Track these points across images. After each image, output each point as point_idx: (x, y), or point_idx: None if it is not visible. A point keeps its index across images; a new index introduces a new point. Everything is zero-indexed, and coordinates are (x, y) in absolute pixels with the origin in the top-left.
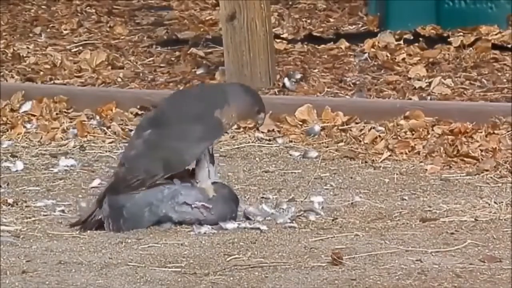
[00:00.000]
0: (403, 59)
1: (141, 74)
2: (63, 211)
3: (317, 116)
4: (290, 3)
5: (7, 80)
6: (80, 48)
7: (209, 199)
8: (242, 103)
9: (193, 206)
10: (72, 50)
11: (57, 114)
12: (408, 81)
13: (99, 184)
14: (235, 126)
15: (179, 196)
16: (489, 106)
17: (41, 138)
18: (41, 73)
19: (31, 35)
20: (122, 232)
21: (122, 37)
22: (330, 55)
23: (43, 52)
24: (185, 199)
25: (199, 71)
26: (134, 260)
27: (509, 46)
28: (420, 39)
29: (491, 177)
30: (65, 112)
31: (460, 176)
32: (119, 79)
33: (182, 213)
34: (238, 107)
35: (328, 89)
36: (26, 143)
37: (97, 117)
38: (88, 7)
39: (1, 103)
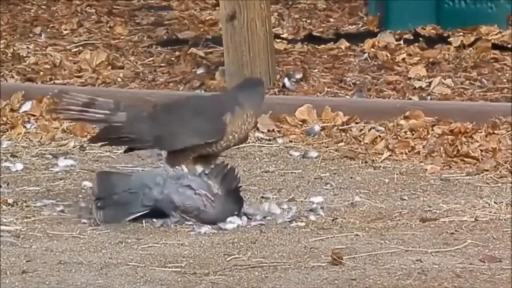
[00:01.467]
0: (403, 59)
1: (141, 74)
2: (63, 211)
3: (317, 116)
4: (290, 3)
5: (7, 80)
6: (80, 48)
7: (214, 193)
8: (256, 105)
9: (196, 191)
10: (72, 50)
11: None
12: (408, 81)
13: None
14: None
15: (185, 178)
16: (489, 106)
17: (41, 138)
18: (41, 73)
19: (31, 35)
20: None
21: (122, 37)
22: (330, 55)
23: (43, 52)
24: (190, 183)
25: (199, 71)
26: (134, 260)
27: (509, 46)
28: (420, 39)
29: (491, 177)
30: None
31: (460, 176)
32: (119, 79)
33: (185, 197)
34: (252, 108)
35: (328, 89)
36: (26, 143)
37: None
38: (88, 7)
39: (1, 103)
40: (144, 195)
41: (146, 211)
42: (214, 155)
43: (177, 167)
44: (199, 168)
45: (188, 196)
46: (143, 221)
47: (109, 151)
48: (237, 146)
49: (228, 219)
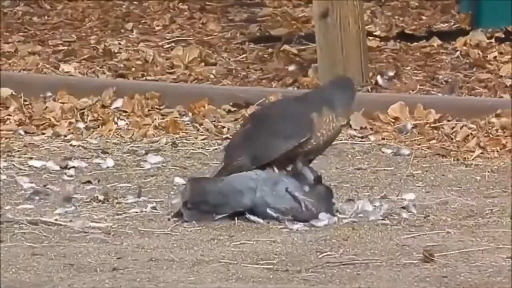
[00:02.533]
0: (495, 57)
1: (233, 71)
2: (154, 208)
3: (409, 113)
4: (383, 0)
5: (98, 76)
6: (173, 44)
7: (306, 192)
8: (345, 105)
9: (293, 193)
10: (164, 47)
11: (149, 110)
12: (499, 79)
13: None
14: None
15: (280, 181)
16: None
17: (133, 134)
18: (133, 69)
19: (122, 31)
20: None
21: (215, 34)
22: (422, 53)
23: (135, 48)
24: (286, 185)
25: (292, 68)
26: (226, 257)
27: None
28: None
29: None
30: (157, 108)
31: None
32: (212, 76)
33: (280, 199)
34: (341, 108)
35: (421, 87)
36: (117, 140)
37: (189, 114)
38: (181, 3)
39: (92, 99)
40: (235, 199)
41: (237, 210)
42: (306, 154)
43: (268, 168)
44: (293, 168)
45: (283, 198)
46: (236, 219)
47: (201, 148)
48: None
49: (321, 216)
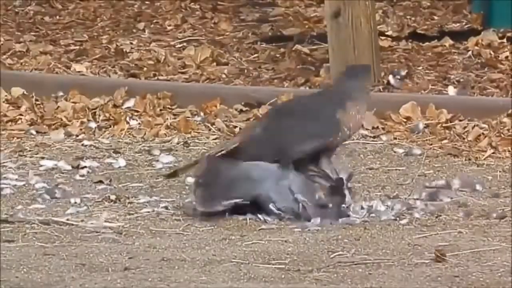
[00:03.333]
0: (506, 57)
1: (245, 71)
2: (166, 207)
3: (421, 113)
4: (395, 0)
5: (110, 76)
6: (184, 44)
7: (311, 193)
8: (364, 93)
9: (295, 195)
10: (176, 46)
11: (161, 110)
12: (511, 79)
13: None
14: None
15: (287, 179)
16: None
17: (145, 134)
18: (145, 69)
19: (134, 30)
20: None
21: (227, 34)
22: (434, 53)
23: (147, 48)
24: (291, 184)
25: (304, 68)
26: (237, 257)
27: None
28: None
29: None
30: (169, 108)
31: None
32: (224, 76)
33: (281, 197)
34: (361, 98)
35: (432, 87)
36: (129, 139)
37: (201, 114)
38: (192, 3)
39: (104, 99)
40: (244, 188)
41: (243, 202)
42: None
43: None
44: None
45: (286, 196)
46: (247, 218)
47: (213, 147)
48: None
49: (313, 220)
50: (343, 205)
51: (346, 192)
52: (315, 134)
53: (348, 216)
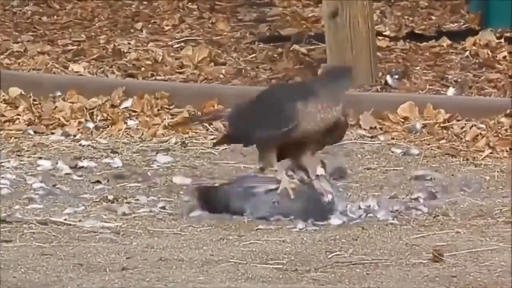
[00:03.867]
0: (504, 57)
1: (243, 71)
2: (163, 207)
3: (419, 113)
4: (392, 0)
5: (107, 76)
6: (182, 44)
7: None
8: (335, 94)
9: (272, 200)
10: (174, 46)
11: (158, 110)
12: (509, 79)
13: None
14: None
15: (263, 184)
16: None
17: (142, 134)
18: (142, 69)
19: (132, 30)
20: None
21: (224, 34)
22: (431, 53)
23: (144, 48)
24: (267, 189)
25: (301, 68)
26: (235, 257)
27: None
28: None
29: None
30: (166, 108)
31: None
32: (221, 76)
33: (257, 201)
34: (330, 99)
35: (430, 87)
36: (127, 139)
37: (199, 114)
38: (190, 3)
39: (102, 99)
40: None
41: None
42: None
43: (270, 168)
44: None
45: (261, 202)
46: (245, 218)
47: (211, 148)
48: (339, 143)
49: (331, 216)
50: (326, 202)
51: (328, 188)
52: (271, 121)
53: (338, 212)
